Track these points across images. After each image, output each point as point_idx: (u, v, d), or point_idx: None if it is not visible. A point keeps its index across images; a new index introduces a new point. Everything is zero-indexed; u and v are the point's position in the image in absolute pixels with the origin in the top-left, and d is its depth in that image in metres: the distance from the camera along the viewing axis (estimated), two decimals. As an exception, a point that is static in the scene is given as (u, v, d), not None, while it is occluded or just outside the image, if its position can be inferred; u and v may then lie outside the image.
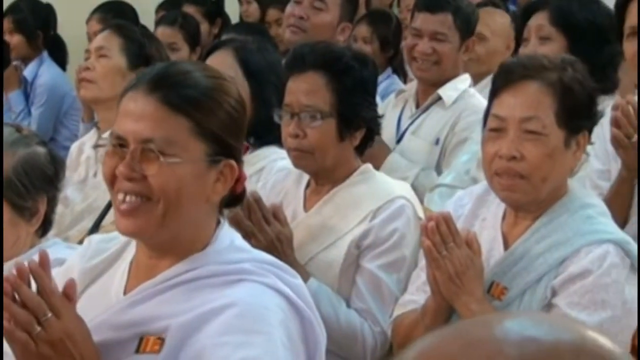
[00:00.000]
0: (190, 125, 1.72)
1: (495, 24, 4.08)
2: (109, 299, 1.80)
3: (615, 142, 2.74)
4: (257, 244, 2.51)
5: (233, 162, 1.76)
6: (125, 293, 1.79)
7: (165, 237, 1.74)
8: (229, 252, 1.77)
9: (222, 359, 1.63)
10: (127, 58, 3.38)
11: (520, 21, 3.29)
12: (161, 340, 1.69)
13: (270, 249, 2.52)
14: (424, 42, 3.50)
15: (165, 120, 1.71)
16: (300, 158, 2.62)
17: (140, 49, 3.41)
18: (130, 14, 5.09)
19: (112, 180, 1.74)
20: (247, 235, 2.53)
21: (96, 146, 1.82)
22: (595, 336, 0.78)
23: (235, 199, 1.85)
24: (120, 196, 1.73)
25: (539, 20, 3.16)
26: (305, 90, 2.59)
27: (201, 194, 1.74)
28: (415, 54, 3.52)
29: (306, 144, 2.59)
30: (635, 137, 2.72)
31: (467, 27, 3.53)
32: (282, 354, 1.66)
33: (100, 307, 1.77)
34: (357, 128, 2.61)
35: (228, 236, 1.80)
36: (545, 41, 3.13)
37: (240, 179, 1.81)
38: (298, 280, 1.79)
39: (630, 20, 2.83)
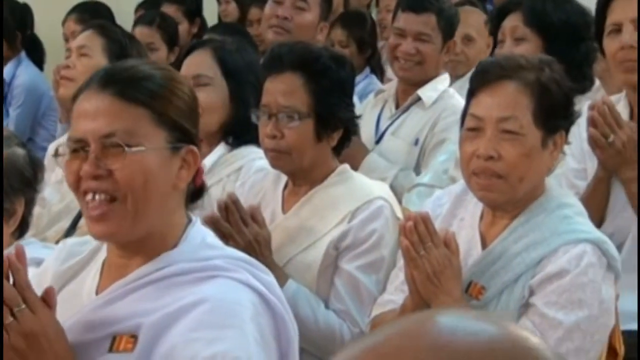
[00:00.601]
0: (148, 114, 1.73)
1: (478, 23, 4.09)
2: (81, 300, 1.80)
3: (593, 141, 2.75)
4: (234, 246, 2.51)
5: (194, 148, 1.78)
6: (97, 293, 1.79)
7: (139, 234, 1.74)
8: (200, 249, 1.77)
9: (194, 355, 1.63)
10: (108, 58, 3.39)
11: (494, 22, 3.30)
12: (134, 339, 1.68)
13: (248, 250, 2.51)
14: (408, 42, 3.50)
15: (123, 112, 1.72)
16: (278, 158, 2.62)
17: (121, 49, 3.43)
18: (106, 14, 5.08)
19: (77, 185, 1.74)
20: (225, 237, 2.52)
21: (55, 155, 1.81)
22: (528, 335, 0.78)
23: (196, 192, 1.85)
24: (89, 197, 1.72)
25: (513, 22, 3.17)
26: (283, 90, 2.58)
27: (168, 182, 1.74)
28: (398, 54, 3.52)
29: (284, 145, 2.59)
30: (612, 137, 2.73)
31: (449, 28, 3.54)
32: (253, 349, 1.66)
33: (74, 309, 1.77)
34: (335, 129, 2.61)
35: (200, 234, 1.80)
36: (520, 42, 3.14)
37: (199, 170, 1.82)
38: (270, 277, 1.79)
39: (612, 17, 2.84)
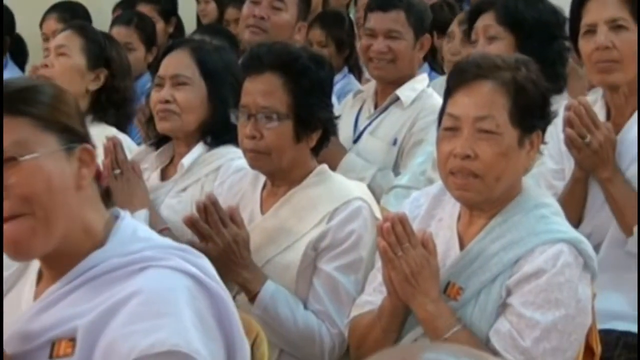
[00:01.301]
0: (33, 122, 1.73)
1: None
2: (20, 309, 1.78)
3: (569, 142, 2.76)
4: (213, 247, 2.51)
5: (88, 146, 1.78)
6: (34, 301, 1.77)
7: (55, 241, 1.72)
8: (130, 242, 1.76)
9: (133, 347, 1.62)
10: (87, 58, 3.40)
11: (468, 24, 3.31)
12: (73, 342, 1.67)
13: (227, 251, 2.51)
14: (379, 42, 3.50)
15: (7, 126, 1.72)
16: (257, 159, 2.62)
17: (100, 50, 3.43)
18: (83, 14, 5.06)
19: None
20: (204, 238, 2.52)
21: None
22: None
23: (105, 193, 1.85)
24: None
25: (486, 21, 3.19)
26: (262, 91, 2.58)
27: (70, 184, 1.74)
28: (371, 54, 3.53)
29: (263, 145, 2.58)
30: (589, 138, 2.74)
31: (420, 24, 3.54)
32: (193, 334, 1.65)
33: (13, 319, 1.75)
34: (314, 129, 2.61)
35: (130, 228, 1.79)
36: (493, 40, 3.15)
37: (101, 175, 1.83)
38: (204, 260, 1.78)
39: (587, 18, 2.85)
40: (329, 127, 2.65)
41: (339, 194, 2.60)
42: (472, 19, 3.26)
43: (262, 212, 2.68)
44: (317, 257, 2.56)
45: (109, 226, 1.78)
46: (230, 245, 2.51)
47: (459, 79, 2.28)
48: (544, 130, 2.32)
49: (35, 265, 1.84)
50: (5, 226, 1.70)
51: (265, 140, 2.57)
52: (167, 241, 1.82)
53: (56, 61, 3.42)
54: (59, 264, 1.76)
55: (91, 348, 1.66)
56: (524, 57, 2.34)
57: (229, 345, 1.74)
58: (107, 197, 1.85)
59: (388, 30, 3.50)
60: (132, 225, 1.81)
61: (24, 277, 1.86)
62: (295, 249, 2.58)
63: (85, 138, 1.80)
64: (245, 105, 2.60)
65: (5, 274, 1.87)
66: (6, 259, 1.86)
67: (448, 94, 2.31)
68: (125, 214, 1.82)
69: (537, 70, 2.31)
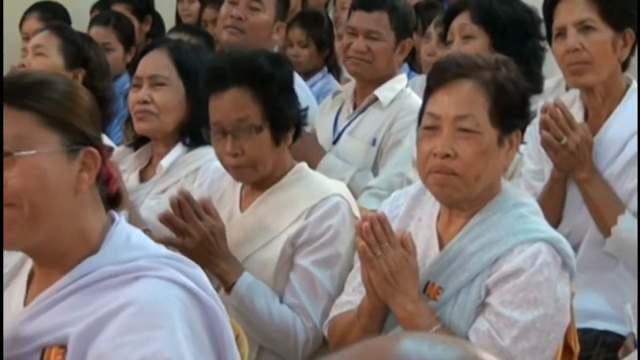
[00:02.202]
0: (37, 118, 1.71)
1: None
2: (10, 313, 1.76)
3: (545, 144, 2.77)
4: (190, 240, 2.51)
5: (93, 150, 1.74)
6: (25, 306, 1.75)
7: (39, 239, 1.70)
8: (124, 250, 1.74)
9: (123, 359, 1.60)
10: (64, 58, 3.40)
11: (444, 25, 3.32)
12: (63, 350, 1.65)
13: (204, 243, 2.52)
14: (359, 41, 3.51)
15: (10, 119, 1.70)
16: (242, 174, 2.62)
17: (78, 51, 3.43)
18: (63, 14, 5.04)
19: None
20: (181, 233, 2.52)
21: None
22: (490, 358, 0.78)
23: (114, 199, 1.83)
24: None
25: (462, 20, 3.20)
26: (233, 106, 2.55)
27: (67, 186, 1.71)
28: (350, 52, 3.53)
29: (246, 160, 2.58)
30: (565, 140, 2.75)
31: (403, 27, 3.54)
32: (184, 347, 1.64)
33: (3, 322, 1.73)
34: (289, 129, 2.61)
35: (124, 234, 1.77)
36: (468, 39, 3.16)
37: (112, 178, 1.81)
38: (197, 270, 1.76)
39: (557, 21, 2.87)
40: (300, 121, 2.65)
41: (317, 191, 2.61)
42: (447, 20, 3.28)
43: (242, 209, 2.68)
44: (294, 253, 2.57)
45: (105, 231, 1.76)
46: (207, 237, 2.52)
47: (439, 78, 2.28)
48: (523, 130, 2.33)
49: (26, 269, 1.82)
50: None
51: (247, 155, 2.57)
52: (161, 249, 1.80)
53: (34, 61, 3.42)
54: (52, 266, 1.74)
55: (82, 357, 1.64)
56: (504, 57, 2.34)
57: (220, 357, 1.73)
58: (115, 201, 1.82)
59: (368, 30, 3.50)
60: (126, 231, 1.78)
61: (13, 281, 1.83)
62: (274, 246, 2.58)
63: (93, 141, 1.76)
64: (217, 123, 2.58)
65: None
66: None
67: (428, 93, 2.31)
68: (120, 218, 1.79)
69: (517, 70, 2.31)
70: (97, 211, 1.77)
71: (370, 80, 3.53)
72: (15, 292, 1.80)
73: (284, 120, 2.59)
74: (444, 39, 3.32)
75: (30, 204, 1.68)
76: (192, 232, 2.51)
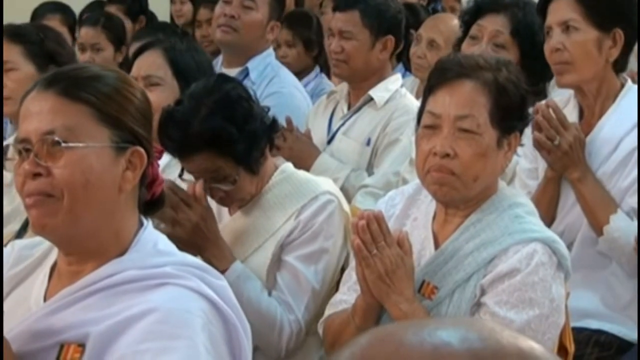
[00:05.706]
0: (90, 111, 1.70)
1: (448, 31, 4.00)
2: (28, 306, 1.76)
3: (538, 145, 2.78)
4: (182, 230, 2.51)
5: (141, 149, 1.73)
6: (45, 300, 1.75)
7: (75, 233, 1.70)
8: (151, 255, 1.73)
9: None
10: (33, 63, 3.16)
11: (470, 16, 3.25)
12: (82, 348, 1.65)
13: (196, 230, 2.52)
14: (335, 41, 3.51)
15: (64, 109, 1.70)
16: (235, 206, 2.64)
17: (40, 48, 3.19)
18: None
19: (22, 187, 1.71)
20: (172, 224, 2.51)
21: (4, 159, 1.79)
22: (532, 345, 0.78)
23: (155, 203, 1.82)
24: (28, 200, 1.69)
25: (496, 25, 3.15)
26: (206, 169, 2.53)
27: (112, 183, 1.71)
28: (331, 54, 3.55)
29: (232, 199, 2.59)
30: (558, 140, 2.76)
31: (378, 24, 3.50)
32: (204, 359, 1.64)
33: (20, 316, 1.73)
34: (262, 154, 2.59)
35: (151, 239, 1.76)
36: (500, 49, 3.11)
37: (157, 179, 1.80)
38: (223, 282, 1.76)
39: (547, 21, 2.88)
40: (272, 131, 2.62)
41: (306, 190, 2.61)
42: (476, 14, 3.22)
43: (231, 214, 2.69)
44: (283, 251, 2.58)
45: (134, 234, 1.75)
46: (199, 224, 2.52)
47: (440, 77, 2.28)
48: (521, 132, 2.33)
49: (48, 262, 1.81)
50: (33, 200, 1.68)
51: (232, 197, 2.58)
52: (188, 258, 1.79)
53: (7, 79, 3.15)
54: (81, 262, 1.73)
55: (100, 358, 1.64)
56: (505, 58, 2.35)
57: None
58: (156, 204, 1.82)
59: (340, 30, 3.50)
60: (154, 236, 1.77)
61: (33, 274, 1.82)
62: (265, 249, 2.59)
63: (142, 140, 1.74)
64: (197, 177, 2.57)
65: (11, 271, 1.83)
66: (20, 252, 1.84)
67: (429, 92, 2.30)
68: (148, 223, 1.78)
69: (517, 71, 2.32)
70: (134, 213, 1.76)
71: (353, 80, 3.52)
72: (35, 286, 1.79)
73: (257, 147, 2.56)
74: (466, 32, 3.26)
75: (70, 197, 1.67)
76: (183, 221, 2.52)
